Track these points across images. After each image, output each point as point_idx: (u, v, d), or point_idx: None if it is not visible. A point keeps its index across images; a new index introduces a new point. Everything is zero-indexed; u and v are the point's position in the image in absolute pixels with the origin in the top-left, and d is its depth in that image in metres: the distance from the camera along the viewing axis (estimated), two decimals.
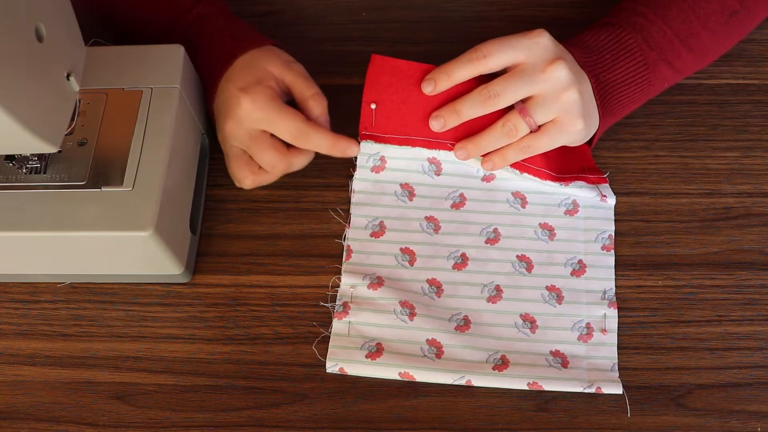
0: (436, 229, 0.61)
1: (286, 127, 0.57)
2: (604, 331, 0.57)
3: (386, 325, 0.57)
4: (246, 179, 0.61)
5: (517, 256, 0.60)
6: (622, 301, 0.59)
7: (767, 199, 0.63)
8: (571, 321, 0.58)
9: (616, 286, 0.59)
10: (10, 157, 0.55)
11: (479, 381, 0.55)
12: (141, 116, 0.57)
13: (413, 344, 0.57)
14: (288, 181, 0.64)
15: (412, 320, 0.57)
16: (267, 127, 0.58)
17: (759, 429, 0.54)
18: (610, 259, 0.60)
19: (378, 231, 0.61)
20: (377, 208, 0.62)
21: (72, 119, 0.53)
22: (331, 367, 0.56)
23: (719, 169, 0.64)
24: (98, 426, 0.56)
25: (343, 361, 0.56)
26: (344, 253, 0.60)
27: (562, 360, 0.56)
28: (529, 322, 0.58)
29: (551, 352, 0.57)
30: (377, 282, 0.59)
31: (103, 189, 0.54)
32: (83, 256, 0.57)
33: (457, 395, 0.56)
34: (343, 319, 0.58)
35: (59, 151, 0.52)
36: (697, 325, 0.58)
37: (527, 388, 0.55)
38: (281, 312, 0.59)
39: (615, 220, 0.62)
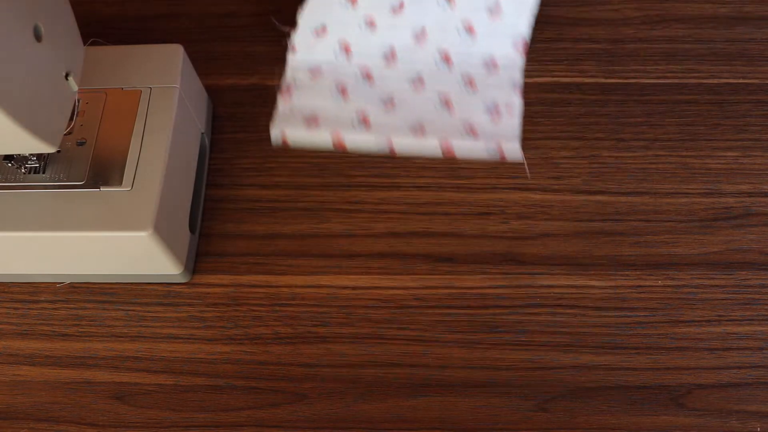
0: (372, 27, 0.68)
1: None
2: (510, 112, 0.65)
3: (322, 103, 0.66)
4: None
5: (439, 52, 0.68)
6: (622, 301, 0.59)
7: (767, 199, 0.63)
8: (484, 104, 0.66)
9: (615, 286, 0.59)
10: (8, 157, 0.55)
11: (400, 145, 0.63)
12: (140, 116, 0.57)
13: (345, 116, 0.65)
14: (287, 181, 0.64)
15: (345, 99, 0.66)
16: None
17: (758, 429, 0.54)
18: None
19: (320, 30, 0.68)
20: (324, 17, 0.68)
21: (71, 119, 0.53)
22: (275, 135, 0.63)
23: (719, 169, 0.64)
24: (98, 426, 0.56)
25: (286, 127, 0.63)
26: (289, 51, 0.68)
27: (472, 130, 0.64)
28: (447, 104, 0.66)
29: (463, 126, 0.65)
30: (318, 73, 0.67)
31: (102, 189, 0.54)
32: (83, 256, 0.57)
33: (457, 395, 0.56)
34: (287, 101, 0.66)
35: (58, 151, 0.52)
36: (697, 325, 0.58)
37: (440, 151, 0.63)
38: (281, 312, 0.59)
39: (615, 220, 0.62)
